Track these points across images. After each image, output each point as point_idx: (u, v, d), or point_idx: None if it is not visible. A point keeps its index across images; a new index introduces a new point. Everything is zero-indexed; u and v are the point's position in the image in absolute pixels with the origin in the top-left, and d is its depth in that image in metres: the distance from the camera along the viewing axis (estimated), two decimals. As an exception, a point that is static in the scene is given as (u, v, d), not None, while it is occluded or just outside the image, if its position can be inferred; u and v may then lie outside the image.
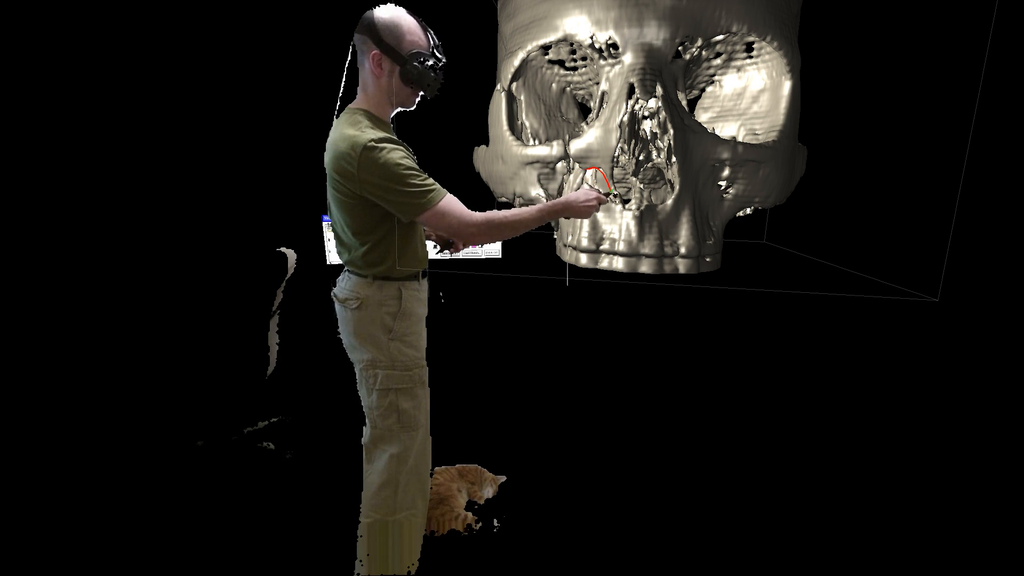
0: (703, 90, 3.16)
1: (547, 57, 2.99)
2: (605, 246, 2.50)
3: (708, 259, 2.54)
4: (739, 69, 2.88)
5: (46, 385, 2.07)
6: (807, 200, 3.35)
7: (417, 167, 1.33)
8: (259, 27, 2.49)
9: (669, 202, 2.43)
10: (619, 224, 2.46)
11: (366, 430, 1.50)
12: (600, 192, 1.57)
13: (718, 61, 2.87)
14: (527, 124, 3.07)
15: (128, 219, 2.24)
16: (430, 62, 1.34)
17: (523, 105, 3.05)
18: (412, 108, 1.45)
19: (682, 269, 2.45)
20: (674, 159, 2.36)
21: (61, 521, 1.70)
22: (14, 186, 1.93)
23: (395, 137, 1.39)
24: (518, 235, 1.43)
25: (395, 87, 1.34)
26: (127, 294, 2.24)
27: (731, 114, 2.93)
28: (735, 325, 2.50)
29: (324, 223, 2.36)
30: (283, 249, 2.28)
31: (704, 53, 2.77)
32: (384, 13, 1.30)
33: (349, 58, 1.40)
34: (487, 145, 3.16)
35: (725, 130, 2.93)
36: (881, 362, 2.37)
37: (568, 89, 3.28)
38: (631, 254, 2.43)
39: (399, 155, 1.28)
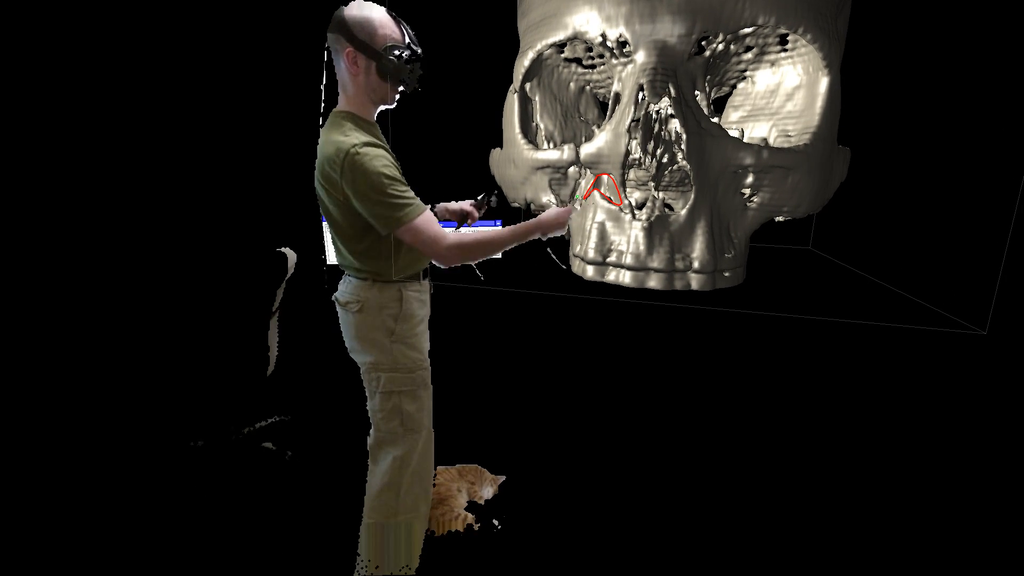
0: (734, 86, 2.92)
1: (563, 55, 2.85)
2: (612, 258, 2.35)
3: (727, 273, 2.34)
4: (773, 64, 2.63)
5: (47, 385, 2.07)
6: (863, 203, 3.05)
7: (399, 177, 1.29)
8: (259, 29, 2.47)
9: (683, 212, 2.25)
10: (628, 235, 2.31)
11: (371, 432, 1.50)
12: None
13: (749, 55, 2.62)
14: (541, 126, 2.94)
15: (129, 219, 2.23)
16: (406, 54, 1.29)
17: (538, 106, 2.93)
18: (394, 105, 1.40)
19: (695, 285, 2.27)
20: (688, 165, 2.18)
21: (61, 521, 1.71)
22: (15, 187, 1.93)
23: (379, 141, 1.36)
24: (491, 256, 1.40)
25: (373, 84, 1.29)
26: (128, 294, 2.24)
27: (763, 113, 2.68)
28: (737, 333, 2.31)
29: (324, 222, 2.35)
30: (283, 249, 2.26)
31: (732, 47, 2.54)
32: (354, 9, 1.26)
33: (326, 59, 1.37)
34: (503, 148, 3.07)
35: (755, 131, 2.69)
36: (916, 392, 2.12)
37: (588, 88, 3.12)
38: (639, 268, 2.27)
39: (381, 163, 1.23)
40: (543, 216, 1.43)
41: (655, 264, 2.24)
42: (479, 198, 1.67)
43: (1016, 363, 1.90)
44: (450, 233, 1.32)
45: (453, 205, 1.69)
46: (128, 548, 1.60)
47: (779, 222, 2.71)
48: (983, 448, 1.98)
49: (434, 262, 1.38)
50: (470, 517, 1.72)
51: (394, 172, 1.26)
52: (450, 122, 3.53)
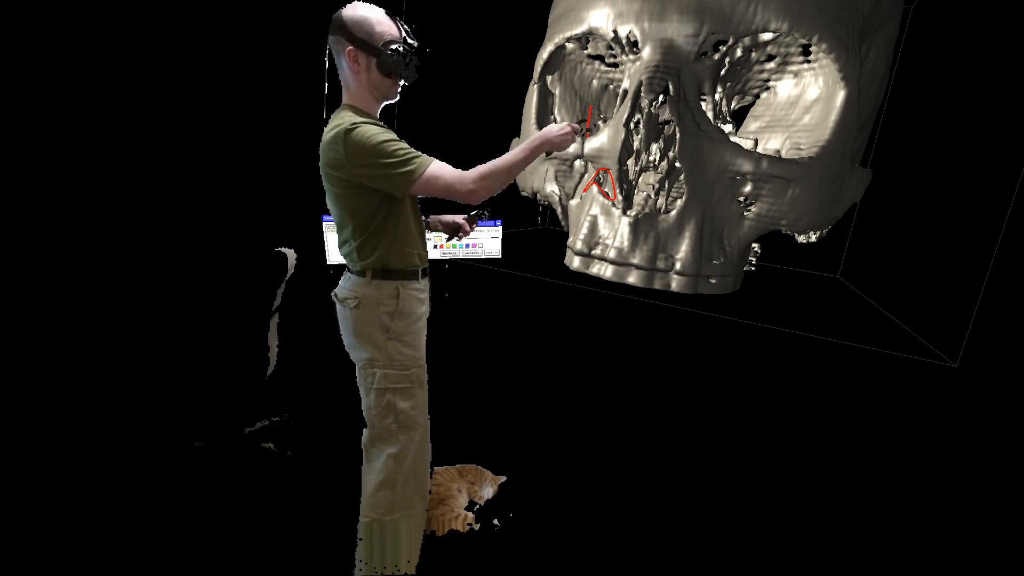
0: (757, 96, 2.85)
1: (586, 52, 2.88)
2: (597, 251, 2.37)
3: (713, 280, 2.30)
4: (796, 75, 2.56)
5: (46, 385, 2.02)
6: (895, 232, 2.89)
7: (398, 139, 1.34)
8: (259, 27, 2.45)
9: (673, 212, 2.24)
10: (615, 229, 2.32)
11: (365, 430, 1.52)
12: (577, 129, 1.49)
13: (771, 64, 2.57)
14: (559, 119, 2.99)
15: (128, 219, 2.19)
16: (403, 48, 1.36)
17: (557, 100, 2.98)
18: (396, 100, 1.47)
19: (675, 286, 2.25)
20: (678, 166, 2.17)
21: (61, 521, 1.67)
22: (14, 187, 1.90)
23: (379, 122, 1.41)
24: (513, 179, 1.39)
25: (375, 80, 1.37)
26: (127, 294, 2.19)
27: (780, 125, 2.61)
28: (719, 338, 2.27)
29: (324, 223, 2.33)
30: (283, 249, 2.23)
31: (754, 55, 2.50)
32: (351, 10, 1.34)
33: (327, 61, 1.45)
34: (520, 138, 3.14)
35: (771, 142, 2.63)
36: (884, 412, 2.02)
37: (611, 87, 3.14)
38: (620, 263, 2.28)
39: (376, 130, 1.31)
40: (547, 130, 1.43)
41: (636, 261, 2.24)
42: (472, 214, 1.72)
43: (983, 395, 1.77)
44: (468, 170, 1.35)
45: (446, 217, 1.74)
46: (128, 548, 1.59)
47: (804, 245, 2.63)
48: (958, 457, 1.88)
49: (464, 201, 1.37)
50: (470, 517, 1.72)
51: (392, 135, 1.33)
52: (477, 112, 3.64)
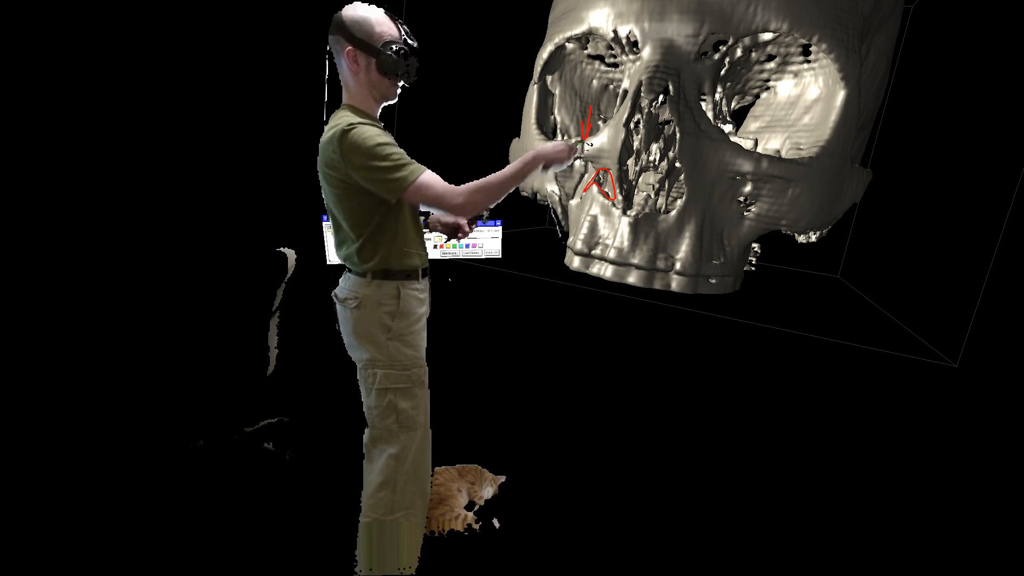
0: (757, 96, 2.85)
1: (586, 52, 2.88)
2: (597, 251, 2.37)
3: (713, 280, 2.30)
4: (796, 75, 2.56)
5: (46, 385, 2.02)
6: (895, 232, 2.90)
7: (395, 144, 1.35)
8: (259, 27, 2.46)
9: (673, 213, 2.24)
10: (615, 230, 2.32)
11: (367, 430, 1.53)
12: (576, 145, 1.49)
13: (771, 64, 2.57)
14: (559, 119, 2.99)
15: (129, 219, 2.19)
16: (403, 49, 1.36)
17: (557, 100, 2.98)
18: (395, 100, 1.47)
19: (675, 286, 2.25)
20: (678, 166, 2.17)
21: (61, 521, 1.67)
22: (14, 187, 1.90)
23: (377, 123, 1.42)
24: (505, 194, 1.38)
25: (374, 80, 1.37)
26: (127, 294, 2.20)
27: (780, 125, 2.61)
28: (730, 338, 2.27)
29: (324, 223, 2.33)
30: (283, 249, 2.24)
31: (754, 55, 2.50)
32: (351, 11, 1.35)
33: (328, 61, 1.45)
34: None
35: (771, 142, 2.63)
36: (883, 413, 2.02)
37: (611, 87, 3.14)
38: (620, 263, 2.28)
39: (374, 132, 1.31)
40: (544, 146, 1.43)
41: (636, 261, 2.24)
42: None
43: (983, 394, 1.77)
44: (458, 186, 1.35)
45: (445, 218, 1.74)
46: (128, 548, 1.59)
47: (804, 245, 2.63)
48: (958, 456, 1.88)
49: (453, 214, 1.37)
50: (470, 517, 1.72)
51: (389, 139, 1.34)
52: (477, 113, 3.64)
